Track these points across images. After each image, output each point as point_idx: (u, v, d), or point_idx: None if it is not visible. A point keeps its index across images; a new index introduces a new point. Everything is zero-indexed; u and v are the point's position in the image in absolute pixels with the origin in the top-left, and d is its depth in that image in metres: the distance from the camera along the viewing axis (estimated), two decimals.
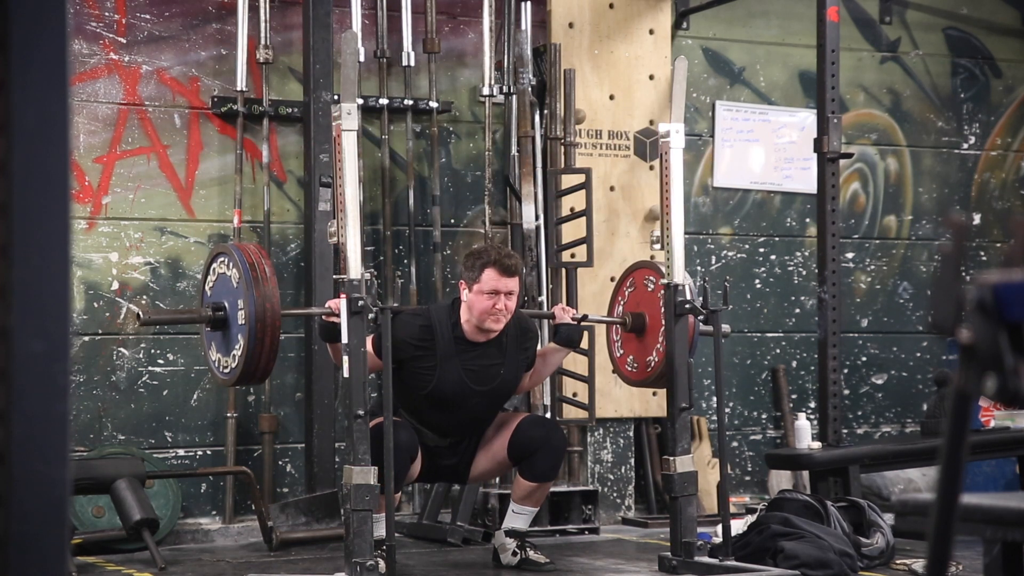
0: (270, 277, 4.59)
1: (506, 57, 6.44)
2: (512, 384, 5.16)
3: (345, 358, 4.55)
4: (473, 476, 5.26)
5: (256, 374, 4.68)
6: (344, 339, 4.53)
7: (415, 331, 5.01)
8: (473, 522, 5.97)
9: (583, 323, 5.30)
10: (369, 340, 4.70)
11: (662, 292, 5.15)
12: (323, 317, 4.73)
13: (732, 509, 5.34)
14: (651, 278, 5.30)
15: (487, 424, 5.20)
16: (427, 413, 5.07)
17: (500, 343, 5.09)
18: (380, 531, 4.68)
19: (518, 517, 5.25)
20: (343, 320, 4.53)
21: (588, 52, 6.59)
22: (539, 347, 5.33)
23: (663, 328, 5.17)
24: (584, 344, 5.85)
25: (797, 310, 7.20)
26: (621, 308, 5.46)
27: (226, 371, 4.72)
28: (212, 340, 4.79)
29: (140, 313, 4.74)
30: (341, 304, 4.56)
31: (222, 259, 4.73)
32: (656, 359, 5.24)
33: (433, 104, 6.44)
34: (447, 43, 6.55)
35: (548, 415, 6.20)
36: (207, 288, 4.82)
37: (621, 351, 5.48)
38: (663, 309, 5.14)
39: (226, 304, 4.70)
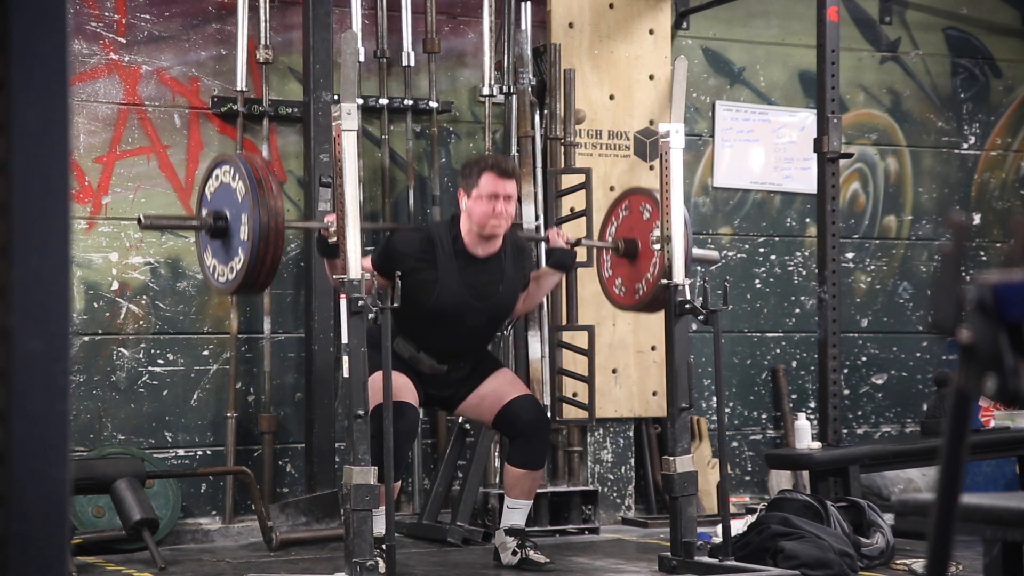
0: (276, 193, 4.53)
1: (506, 57, 6.44)
2: (510, 302, 5.18)
3: (345, 359, 4.55)
4: (460, 410, 5.31)
5: (254, 287, 4.62)
6: (344, 339, 4.53)
7: (416, 245, 5.04)
8: (473, 522, 5.97)
9: (576, 246, 5.34)
10: (368, 259, 4.72)
11: (658, 221, 5.18)
12: (321, 231, 4.74)
13: (732, 509, 5.34)
14: (647, 205, 5.32)
15: (484, 346, 5.20)
16: (427, 332, 5.06)
17: (499, 260, 5.12)
18: (379, 527, 4.68)
19: (514, 512, 5.26)
20: (344, 319, 4.53)
21: (588, 52, 6.59)
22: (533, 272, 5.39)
23: (655, 256, 5.20)
24: (583, 344, 5.85)
25: (797, 310, 7.20)
26: (614, 230, 5.48)
27: (222, 280, 4.63)
28: (209, 246, 4.69)
29: (141, 217, 4.68)
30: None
31: (226, 167, 4.63)
32: (646, 286, 5.27)
33: (433, 104, 6.44)
34: (447, 43, 6.55)
35: (548, 415, 6.20)
36: (207, 192, 4.71)
37: (610, 272, 5.51)
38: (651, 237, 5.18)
39: (228, 214, 4.60)
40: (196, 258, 6.11)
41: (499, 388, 5.21)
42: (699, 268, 6.93)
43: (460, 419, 5.98)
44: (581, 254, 5.60)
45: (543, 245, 5.57)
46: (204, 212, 4.66)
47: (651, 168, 6.62)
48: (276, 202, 4.49)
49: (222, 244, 4.62)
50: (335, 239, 4.58)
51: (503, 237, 5.10)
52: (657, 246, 5.18)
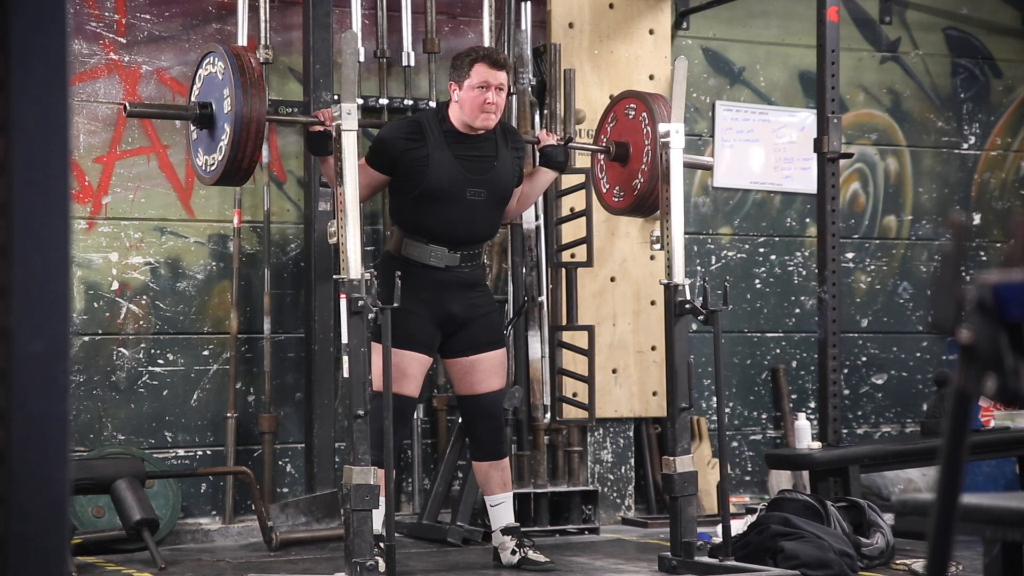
0: (258, 77, 4.59)
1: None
2: (506, 181, 5.18)
3: (345, 359, 4.55)
4: (448, 363, 5.26)
5: (238, 173, 4.67)
6: (344, 340, 4.53)
7: (404, 127, 5.10)
8: (473, 522, 5.97)
9: (568, 146, 5.39)
10: (362, 159, 4.79)
11: (643, 114, 5.27)
12: (310, 127, 4.75)
13: (732, 509, 5.34)
14: (631, 105, 5.41)
15: (488, 230, 5.19)
16: (429, 216, 5.06)
17: (490, 138, 5.14)
18: (378, 524, 4.69)
19: (500, 509, 5.27)
20: (343, 318, 4.53)
21: (588, 52, 6.59)
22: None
23: (646, 148, 5.23)
24: (583, 344, 5.85)
25: (797, 310, 7.20)
26: (606, 140, 5.57)
27: (212, 168, 4.71)
28: (199, 145, 4.78)
29: (127, 104, 4.76)
30: (330, 113, 4.62)
31: (211, 58, 4.73)
32: (641, 181, 5.35)
33: (433, 104, 6.44)
34: (447, 43, 6.54)
35: (548, 415, 6.21)
36: (195, 89, 4.81)
37: (607, 185, 5.59)
38: (647, 128, 5.24)
39: (212, 102, 4.69)
40: (196, 258, 6.12)
41: (486, 372, 5.22)
42: (699, 268, 6.93)
43: (460, 420, 5.98)
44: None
45: (534, 146, 5.61)
46: (191, 102, 4.76)
47: None
48: (258, 84, 4.56)
49: (209, 133, 4.72)
50: (324, 127, 4.65)
51: None
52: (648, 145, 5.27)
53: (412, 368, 5.06)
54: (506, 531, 5.25)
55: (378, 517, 4.71)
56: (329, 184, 4.91)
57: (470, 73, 5.03)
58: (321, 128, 4.70)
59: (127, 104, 4.76)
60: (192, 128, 4.81)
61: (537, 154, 5.46)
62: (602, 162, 5.63)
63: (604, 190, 5.62)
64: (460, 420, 5.98)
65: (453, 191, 5.03)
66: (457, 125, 5.09)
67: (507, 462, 5.31)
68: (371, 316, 4.61)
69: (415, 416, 6.11)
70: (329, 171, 4.71)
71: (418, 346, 5.07)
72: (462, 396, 5.25)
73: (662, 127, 5.18)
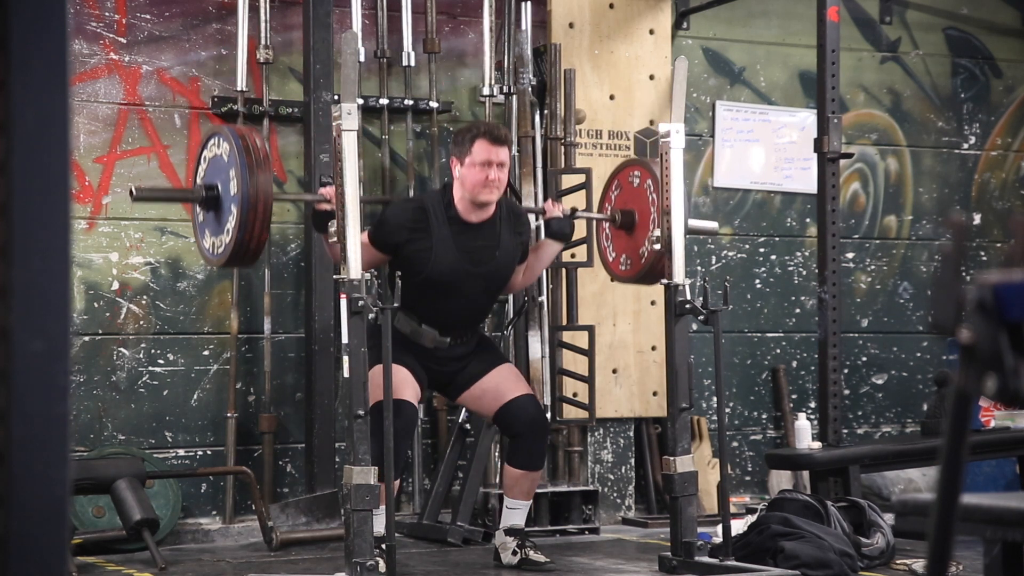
0: (264, 159, 4.53)
1: (506, 57, 6.44)
2: (507, 268, 5.17)
3: (345, 359, 4.55)
4: (461, 400, 5.29)
5: (246, 256, 4.58)
6: (344, 339, 4.53)
7: (409, 214, 5.05)
8: (473, 522, 5.97)
9: (574, 217, 5.35)
10: (365, 234, 4.73)
11: (648, 181, 5.21)
12: (315, 205, 4.73)
13: (732, 509, 5.34)
14: (635, 173, 5.35)
15: (483, 316, 5.21)
16: (426, 304, 5.06)
17: (494, 225, 5.12)
18: (380, 527, 4.68)
19: (513, 513, 5.26)
20: (344, 319, 4.53)
21: (588, 52, 6.59)
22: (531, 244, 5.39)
23: (652, 216, 5.21)
24: (584, 344, 5.85)
25: (797, 310, 7.20)
26: (610, 209, 5.52)
27: (219, 250, 4.63)
28: (206, 227, 4.73)
29: (133, 189, 4.72)
30: (333, 193, 4.58)
31: (216, 139, 4.67)
32: (648, 250, 5.28)
33: (433, 104, 6.44)
34: (447, 43, 6.55)
35: (548, 415, 6.20)
36: (200, 170, 4.76)
37: (614, 254, 5.53)
38: (653, 195, 5.20)
39: (218, 183, 4.64)
40: (196, 258, 6.12)
41: (502, 384, 5.20)
42: (699, 268, 6.93)
43: (460, 419, 5.98)
44: (580, 232, 5.61)
45: (540, 217, 5.58)
46: (197, 184, 4.72)
47: None
48: (264, 169, 4.51)
49: (215, 216, 4.66)
50: (328, 206, 4.60)
51: (497, 203, 5.12)
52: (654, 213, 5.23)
53: (406, 380, 5.05)
54: (510, 532, 5.25)
55: (378, 517, 4.70)
56: (334, 261, 4.87)
57: (471, 150, 5.00)
58: (327, 206, 4.66)
59: (133, 188, 4.71)
60: (198, 210, 4.76)
61: (542, 225, 5.44)
62: (607, 230, 5.57)
63: (610, 259, 5.53)
64: (461, 419, 5.99)
65: (453, 282, 5.04)
66: (461, 208, 5.05)
67: (539, 475, 5.30)
68: (371, 316, 4.60)
69: (417, 425, 6.09)
70: (333, 250, 4.69)
71: (409, 369, 5.08)
72: (495, 415, 5.20)
73: (662, 126, 5.18)
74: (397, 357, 4.91)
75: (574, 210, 5.38)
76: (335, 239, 4.60)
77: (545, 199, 6.13)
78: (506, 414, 5.17)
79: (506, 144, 5.06)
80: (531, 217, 5.70)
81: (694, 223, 5.40)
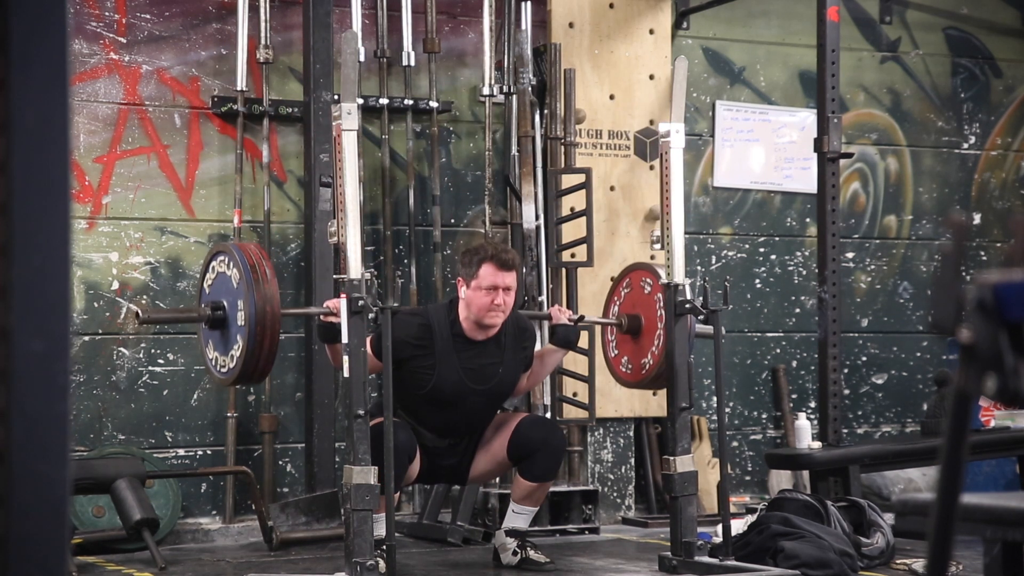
0: (270, 278, 4.57)
1: (506, 57, 6.44)
2: (510, 384, 5.14)
3: (345, 358, 4.54)
4: (473, 477, 5.25)
5: (254, 375, 4.66)
6: (344, 339, 4.53)
7: (414, 330, 4.99)
8: (473, 522, 5.97)
9: (580, 324, 5.29)
10: (368, 341, 4.68)
11: (659, 295, 5.15)
12: (321, 317, 4.72)
13: (732, 509, 5.34)
14: (648, 280, 5.30)
15: (485, 424, 5.18)
16: (426, 413, 5.06)
17: (499, 342, 5.07)
18: (380, 530, 4.68)
19: (518, 517, 5.25)
20: (343, 320, 4.53)
21: (588, 52, 6.59)
22: (537, 348, 5.33)
23: (659, 331, 5.18)
24: (584, 344, 5.85)
25: (797, 310, 7.20)
26: (616, 309, 5.46)
27: (224, 371, 4.70)
28: (210, 339, 4.77)
29: (139, 312, 4.74)
30: (340, 304, 4.54)
31: (222, 258, 4.71)
32: (651, 361, 5.25)
33: (433, 104, 6.44)
34: (447, 43, 6.55)
35: (548, 415, 6.20)
36: (206, 286, 4.80)
37: (616, 351, 5.48)
38: (661, 310, 5.15)
39: (225, 304, 4.67)
40: (196, 258, 6.12)
41: (499, 425, 5.18)
42: (699, 268, 6.93)
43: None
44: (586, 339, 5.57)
45: (546, 323, 5.52)
46: (203, 305, 4.73)
47: (651, 168, 6.62)
48: (271, 287, 4.52)
49: (221, 335, 4.68)
50: (336, 319, 4.57)
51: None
52: (662, 321, 5.17)
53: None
54: (511, 533, 5.24)
55: (379, 517, 4.70)
56: (337, 367, 4.85)
57: (478, 274, 4.96)
58: (333, 319, 4.64)
59: (139, 312, 4.74)
60: (204, 329, 4.79)
61: (547, 331, 5.40)
62: (612, 336, 5.53)
63: (612, 355, 5.52)
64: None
65: (454, 399, 5.01)
66: (466, 326, 5.01)
67: (550, 484, 5.28)
68: (371, 315, 4.60)
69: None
70: (337, 358, 4.68)
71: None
72: (509, 449, 5.13)
73: (662, 126, 5.17)
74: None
75: (581, 317, 5.32)
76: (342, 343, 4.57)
77: (556, 302, 6.11)
78: (517, 442, 5.11)
79: (514, 269, 4.99)
80: (535, 326, 5.60)
81: (700, 328, 5.31)
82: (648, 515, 6.60)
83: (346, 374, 4.56)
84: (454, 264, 6.43)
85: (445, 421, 5.07)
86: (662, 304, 5.16)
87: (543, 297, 6.29)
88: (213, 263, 4.76)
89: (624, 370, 5.43)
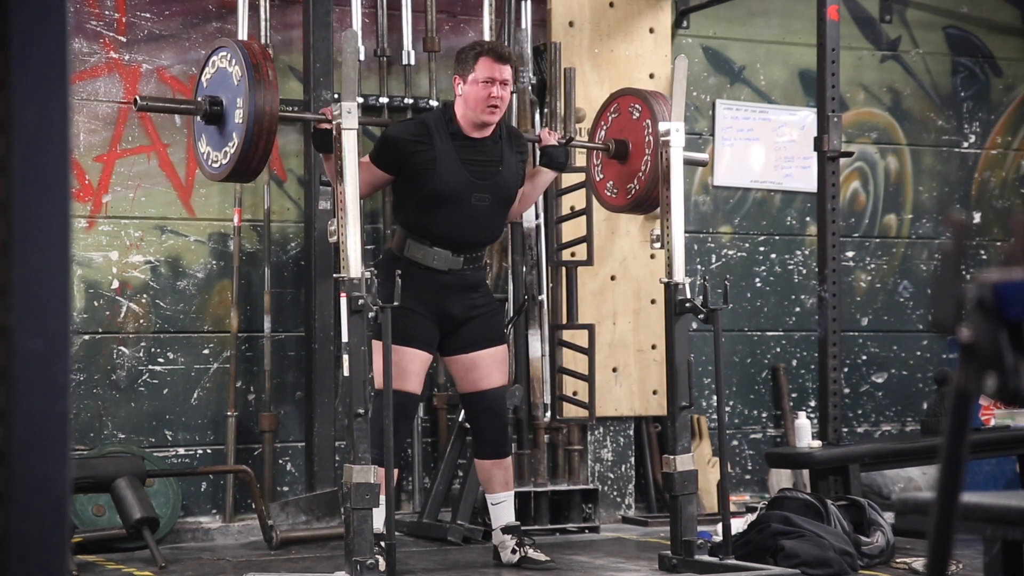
0: (272, 80, 4.56)
1: None
2: (511, 185, 5.17)
3: (345, 357, 4.55)
4: (448, 360, 5.25)
5: (246, 174, 4.67)
6: (344, 338, 4.53)
7: (411, 129, 5.07)
8: (473, 521, 5.97)
9: (568, 145, 5.36)
10: (366, 157, 4.77)
11: (647, 120, 5.23)
12: (316, 124, 4.74)
13: (732, 508, 5.34)
14: (636, 105, 5.35)
15: (492, 234, 5.18)
16: (434, 219, 5.04)
17: (496, 141, 5.13)
18: (379, 524, 4.68)
19: (500, 508, 5.26)
20: (344, 318, 4.53)
21: (588, 51, 6.59)
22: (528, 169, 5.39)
23: (646, 156, 5.22)
24: (584, 343, 5.85)
25: (797, 309, 7.20)
26: (603, 133, 5.53)
27: (216, 166, 4.69)
28: (204, 133, 4.74)
29: (137, 99, 4.74)
30: (333, 111, 4.60)
31: (224, 53, 4.68)
32: (637, 186, 5.31)
33: (433, 103, 6.43)
34: (447, 42, 6.54)
35: (548, 414, 6.21)
36: (203, 80, 4.77)
37: (601, 175, 5.54)
38: (649, 136, 5.21)
39: (224, 100, 4.65)
40: (196, 257, 6.12)
41: (487, 368, 5.21)
42: (699, 267, 6.93)
43: (461, 418, 5.97)
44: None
45: (536, 145, 5.58)
46: (200, 97, 4.71)
47: None
48: (272, 87, 4.53)
49: (217, 129, 4.68)
50: (329, 125, 4.63)
51: (497, 123, 5.13)
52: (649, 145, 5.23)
53: (413, 365, 5.06)
54: (506, 530, 5.25)
55: (378, 516, 4.70)
56: (331, 182, 4.90)
57: (475, 67, 5.03)
58: (327, 125, 4.69)
59: (137, 98, 4.76)
60: (199, 121, 4.78)
61: (538, 153, 5.44)
62: (598, 160, 5.60)
63: (598, 181, 5.60)
64: (461, 418, 5.97)
65: (459, 195, 5.02)
66: (463, 125, 5.07)
67: (510, 461, 5.30)
68: (371, 315, 4.60)
69: (416, 414, 6.10)
70: (332, 169, 4.71)
71: (419, 343, 5.07)
72: (465, 394, 5.25)
73: (662, 126, 5.18)
74: (410, 307, 4.93)
75: (571, 139, 5.39)
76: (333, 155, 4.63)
77: (556, 302, 6.17)
78: (471, 399, 5.22)
79: (509, 61, 5.08)
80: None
81: (687, 155, 5.37)
82: (648, 514, 6.60)
83: (346, 372, 4.56)
84: None
85: (454, 225, 5.05)
86: (651, 130, 5.20)
87: (543, 296, 6.29)
88: (213, 58, 4.72)
89: (609, 194, 5.52)
